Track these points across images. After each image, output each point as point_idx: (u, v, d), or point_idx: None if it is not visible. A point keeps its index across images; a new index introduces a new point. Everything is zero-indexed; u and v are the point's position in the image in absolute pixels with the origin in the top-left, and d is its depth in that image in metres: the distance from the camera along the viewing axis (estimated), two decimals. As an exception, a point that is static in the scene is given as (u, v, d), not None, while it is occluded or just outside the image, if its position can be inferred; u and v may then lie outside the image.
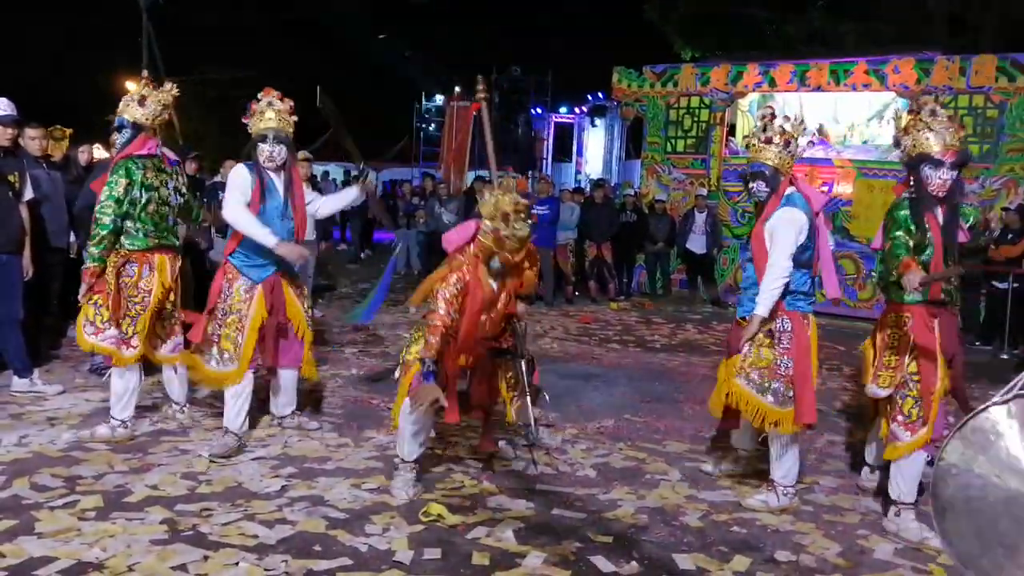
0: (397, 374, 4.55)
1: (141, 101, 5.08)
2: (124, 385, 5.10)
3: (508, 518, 4.13)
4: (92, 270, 4.96)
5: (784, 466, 4.43)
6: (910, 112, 4.22)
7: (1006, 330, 9.49)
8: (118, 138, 5.11)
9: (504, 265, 4.23)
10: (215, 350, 4.92)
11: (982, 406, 2.21)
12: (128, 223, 4.99)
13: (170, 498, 4.17)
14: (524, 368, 4.64)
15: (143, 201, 5.01)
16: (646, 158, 14.05)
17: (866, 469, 4.76)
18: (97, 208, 4.96)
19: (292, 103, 5.05)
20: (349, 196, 5.54)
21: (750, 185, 4.46)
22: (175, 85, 5.26)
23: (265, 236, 4.76)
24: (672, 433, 5.73)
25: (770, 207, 4.35)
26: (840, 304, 11.65)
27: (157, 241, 5.10)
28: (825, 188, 11.87)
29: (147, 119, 5.08)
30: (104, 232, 4.91)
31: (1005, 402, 2.16)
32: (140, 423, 5.25)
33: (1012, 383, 2.14)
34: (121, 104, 5.12)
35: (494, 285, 4.32)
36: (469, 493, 4.44)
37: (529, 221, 4.22)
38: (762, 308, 4.27)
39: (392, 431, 4.56)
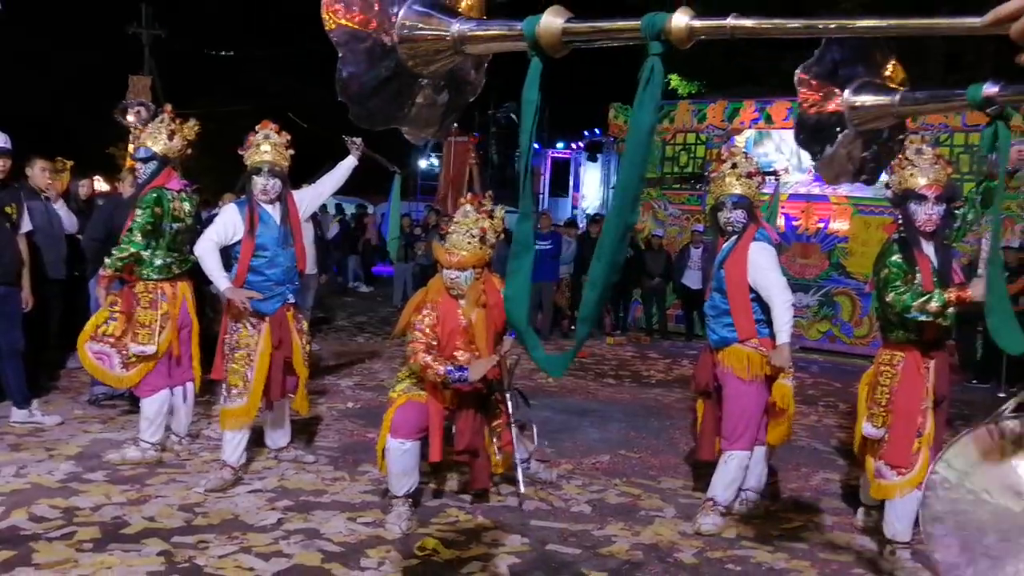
0: None
1: (171, 135, 5.21)
2: (156, 409, 5.25)
3: (503, 553, 4.14)
4: (109, 275, 5.12)
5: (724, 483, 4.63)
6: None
7: (1003, 368, 9.51)
8: (141, 168, 5.23)
9: (460, 270, 4.31)
10: (224, 386, 4.96)
11: (975, 426, 2.31)
12: (158, 252, 5.16)
13: (167, 530, 4.18)
14: (510, 400, 4.69)
15: (172, 232, 5.18)
16: (642, 194, 14.13)
17: (861, 509, 4.77)
18: (126, 234, 5.09)
19: (289, 136, 5.13)
20: (345, 165, 5.54)
21: (728, 215, 4.61)
22: (197, 122, 5.39)
23: (219, 279, 4.85)
24: (667, 469, 5.75)
25: (747, 238, 4.52)
26: (835, 340, 11.75)
27: (180, 269, 5.30)
28: (821, 224, 11.97)
29: (172, 153, 5.23)
30: (133, 250, 5.07)
31: (998, 424, 2.28)
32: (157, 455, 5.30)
33: (1001, 408, 2.26)
34: (145, 135, 5.24)
35: (463, 310, 4.39)
36: (464, 528, 4.45)
37: (473, 232, 4.36)
38: (788, 336, 4.46)
39: (381, 471, 4.59)
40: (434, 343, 4.33)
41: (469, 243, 4.34)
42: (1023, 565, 2.12)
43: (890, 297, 4.01)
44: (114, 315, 5.20)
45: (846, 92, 1.79)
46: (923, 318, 3.93)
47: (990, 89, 1.57)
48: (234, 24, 30.08)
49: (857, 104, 1.78)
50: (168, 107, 5.42)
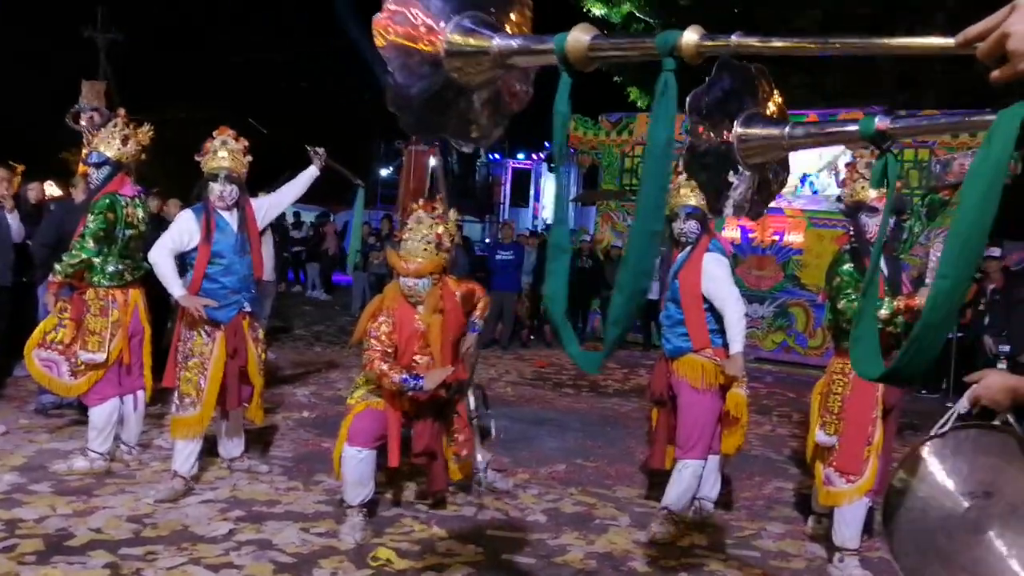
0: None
1: (124, 140, 5.13)
2: (106, 418, 5.13)
3: (457, 563, 4.12)
4: (59, 282, 5.02)
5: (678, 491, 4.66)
6: (847, 166, 4.40)
7: (951, 379, 9.71)
8: (94, 173, 5.13)
9: (418, 277, 4.29)
10: (174, 395, 4.88)
11: (920, 440, 2.48)
12: (110, 259, 5.07)
13: (114, 541, 4.09)
14: (472, 398, 4.68)
15: (124, 239, 5.10)
16: (601, 205, 14.23)
17: (812, 517, 4.83)
18: (78, 240, 5.01)
19: (247, 142, 5.08)
20: (307, 175, 5.49)
21: (682, 226, 4.68)
22: (152, 127, 5.32)
23: (174, 285, 4.79)
24: (623, 479, 5.77)
25: (700, 249, 4.59)
26: (790, 351, 11.90)
27: (132, 277, 5.21)
28: (776, 237, 12.13)
29: (126, 158, 5.15)
30: (84, 257, 4.98)
31: (940, 436, 2.46)
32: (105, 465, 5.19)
33: (943, 419, 2.42)
34: (98, 140, 5.15)
35: (421, 316, 4.39)
36: (418, 537, 4.43)
37: (428, 239, 4.34)
38: (741, 345, 4.55)
39: (337, 478, 4.56)
40: (390, 351, 4.32)
41: (425, 250, 4.32)
42: (968, 560, 2.31)
43: (842, 304, 4.13)
44: (63, 322, 5.10)
45: (736, 123, 1.82)
46: None
47: (882, 122, 1.62)
48: (196, 27, 29.77)
49: (746, 135, 1.81)
50: (122, 111, 5.34)
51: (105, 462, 5.15)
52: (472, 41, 1.61)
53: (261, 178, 5.62)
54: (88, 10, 24.61)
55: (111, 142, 5.12)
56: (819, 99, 15.18)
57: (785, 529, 4.92)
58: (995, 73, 1.18)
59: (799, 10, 15.82)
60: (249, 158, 5.06)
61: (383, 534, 4.42)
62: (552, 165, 22.33)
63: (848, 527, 4.20)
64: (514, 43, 1.60)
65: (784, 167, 2.03)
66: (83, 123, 6.37)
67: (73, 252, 4.98)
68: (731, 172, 1.84)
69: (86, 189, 6.16)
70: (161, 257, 4.80)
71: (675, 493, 4.65)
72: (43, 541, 4.04)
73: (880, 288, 4.13)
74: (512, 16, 1.71)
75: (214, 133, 5.03)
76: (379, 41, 1.58)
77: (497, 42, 1.60)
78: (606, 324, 1.63)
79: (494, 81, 1.72)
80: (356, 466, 4.34)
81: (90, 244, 4.97)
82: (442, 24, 1.61)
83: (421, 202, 4.53)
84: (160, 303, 7.62)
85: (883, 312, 3.95)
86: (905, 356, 1.32)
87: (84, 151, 5.50)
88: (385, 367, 4.22)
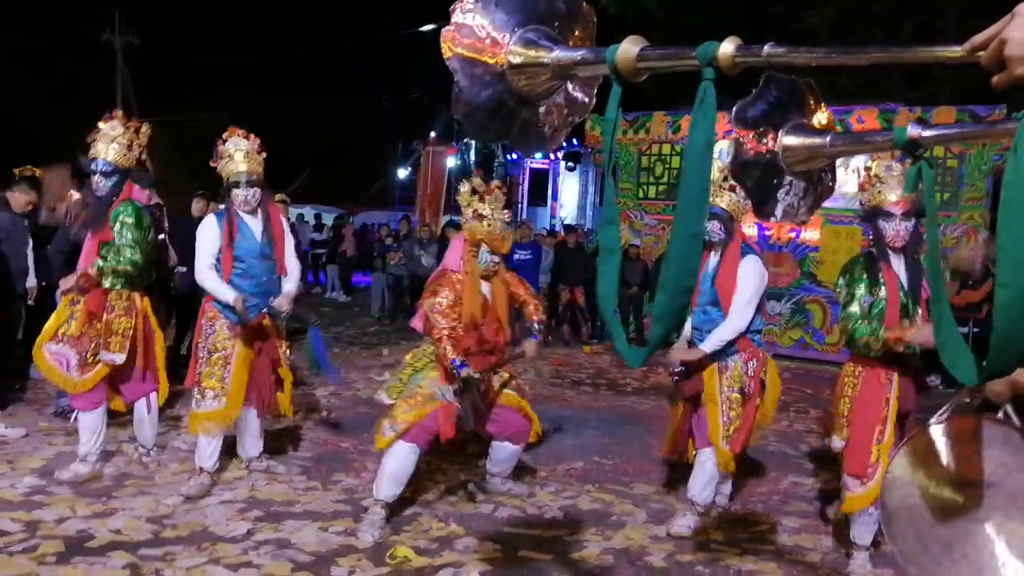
0: (384, 395, 4.76)
1: (129, 145, 5.06)
2: (96, 423, 5.10)
3: (475, 560, 4.14)
4: (91, 276, 4.92)
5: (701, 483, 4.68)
6: (867, 169, 4.33)
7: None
8: (103, 182, 5.00)
9: (494, 254, 4.53)
10: (196, 391, 4.92)
11: (920, 428, 2.52)
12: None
13: (133, 542, 4.14)
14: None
15: (152, 243, 5.17)
16: (619, 204, 14.21)
17: (837, 502, 4.75)
18: (128, 249, 4.94)
19: (259, 141, 5.07)
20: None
21: (706, 226, 4.63)
22: (149, 127, 5.27)
23: (226, 294, 4.82)
24: (640, 475, 5.77)
25: (732, 252, 4.53)
26: (807, 348, 11.84)
27: (147, 280, 5.23)
28: (793, 234, 12.06)
29: (130, 162, 5.12)
30: (130, 268, 4.94)
31: (940, 424, 2.50)
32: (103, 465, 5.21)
33: (943, 409, 2.45)
34: (103, 146, 4.99)
35: (486, 292, 4.57)
36: (436, 535, 4.45)
37: (503, 206, 4.57)
38: (710, 347, 4.58)
39: (377, 448, 4.58)
40: (454, 324, 4.48)
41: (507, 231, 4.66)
42: (968, 547, 2.36)
43: (848, 323, 4.15)
44: (74, 314, 5.01)
45: (780, 132, 1.88)
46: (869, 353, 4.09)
47: (914, 131, 1.67)
48: (217, 27, 30.02)
49: (791, 145, 1.87)
50: (118, 112, 5.24)
51: (101, 459, 5.14)
52: (533, 53, 1.68)
53: (276, 177, 5.63)
54: (104, 11, 24.85)
55: (116, 148, 5.01)
56: (834, 97, 15.11)
57: (801, 524, 4.90)
58: (995, 79, 1.22)
59: (810, 8, 15.74)
60: (264, 155, 5.06)
61: (401, 532, 4.45)
62: (571, 165, 22.44)
63: (864, 525, 4.16)
64: (572, 55, 1.67)
65: (831, 174, 2.08)
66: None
67: (123, 258, 4.92)
68: (779, 179, 1.90)
69: (90, 197, 5.97)
70: (205, 276, 4.87)
71: (700, 482, 4.64)
72: (63, 542, 4.09)
73: (894, 296, 4.09)
74: (576, 31, 1.78)
75: (224, 135, 5.04)
76: (446, 53, 1.65)
77: (556, 54, 1.67)
78: (653, 320, 1.66)
79: (556, 91, 1.79)
80: (403, 461, 4.43)
81: (139, 256, 4.97)
82: (506, 37, 1.68)
83: (496, 183, 4.73)
84: (184, 307, 7.67)
85: (878, 344, 4.01)
86: (993, 360, 1.33)
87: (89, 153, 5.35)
88: (449, 348, 4.39)
